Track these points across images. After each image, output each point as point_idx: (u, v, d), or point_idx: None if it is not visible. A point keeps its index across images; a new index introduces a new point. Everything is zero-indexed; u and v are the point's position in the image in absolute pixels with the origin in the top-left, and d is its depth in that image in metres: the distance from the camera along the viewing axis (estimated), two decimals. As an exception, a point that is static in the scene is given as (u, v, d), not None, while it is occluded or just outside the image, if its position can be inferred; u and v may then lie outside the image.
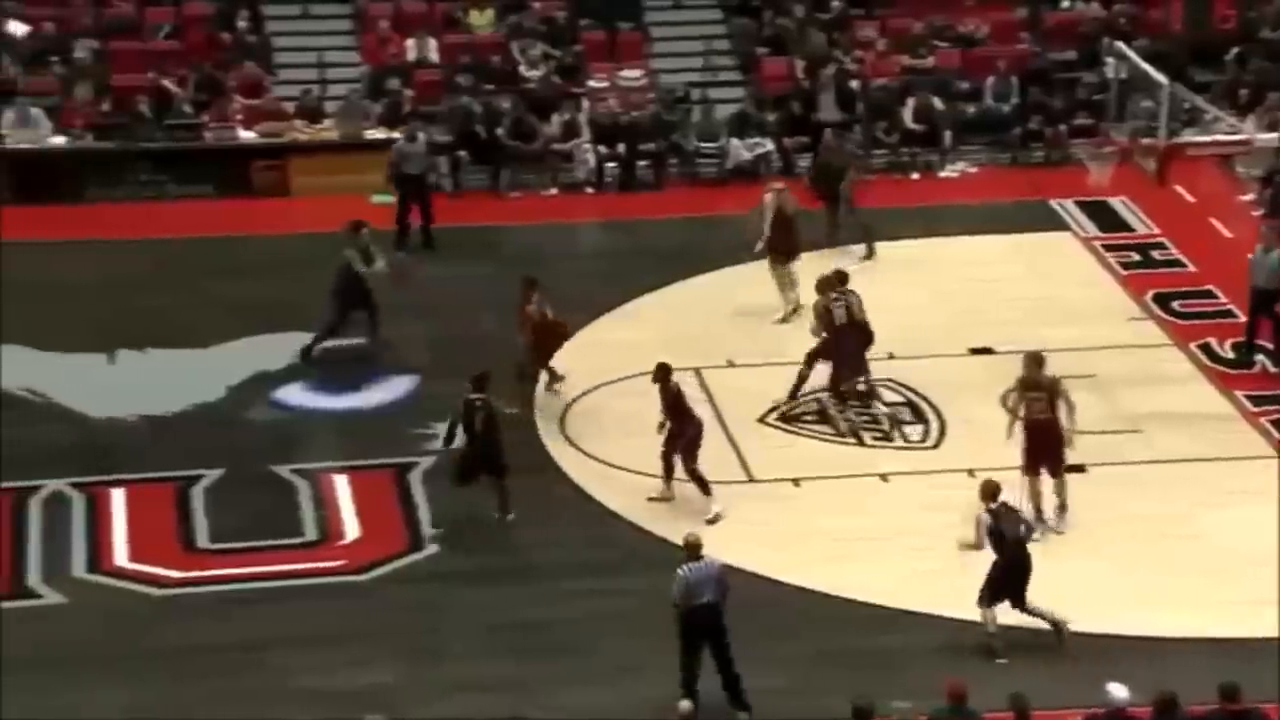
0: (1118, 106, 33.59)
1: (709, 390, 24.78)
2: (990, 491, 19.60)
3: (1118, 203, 31.17)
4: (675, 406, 22.28)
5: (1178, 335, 26.72)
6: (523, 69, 34.01)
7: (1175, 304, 27.58)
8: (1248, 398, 24.91)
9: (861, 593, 20.62)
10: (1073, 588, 20.39)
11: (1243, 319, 26.12)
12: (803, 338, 25.02)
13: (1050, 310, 27.05)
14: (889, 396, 24.77)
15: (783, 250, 26.95)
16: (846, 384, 24.40)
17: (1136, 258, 29.26)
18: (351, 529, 22.24)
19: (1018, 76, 34.07)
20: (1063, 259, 29.39)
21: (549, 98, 33.21)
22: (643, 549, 21.46)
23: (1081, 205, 31.10)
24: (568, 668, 19.49)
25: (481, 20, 35.20)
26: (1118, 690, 16.87)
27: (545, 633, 20.13)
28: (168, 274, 28.61)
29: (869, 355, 24.63)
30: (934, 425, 24.34)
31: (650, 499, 22.44)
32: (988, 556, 19.50)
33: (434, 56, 34.38)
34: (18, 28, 33.98)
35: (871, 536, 21.77)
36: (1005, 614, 19.50)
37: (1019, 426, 21.72)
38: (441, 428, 22.53)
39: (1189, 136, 32.27)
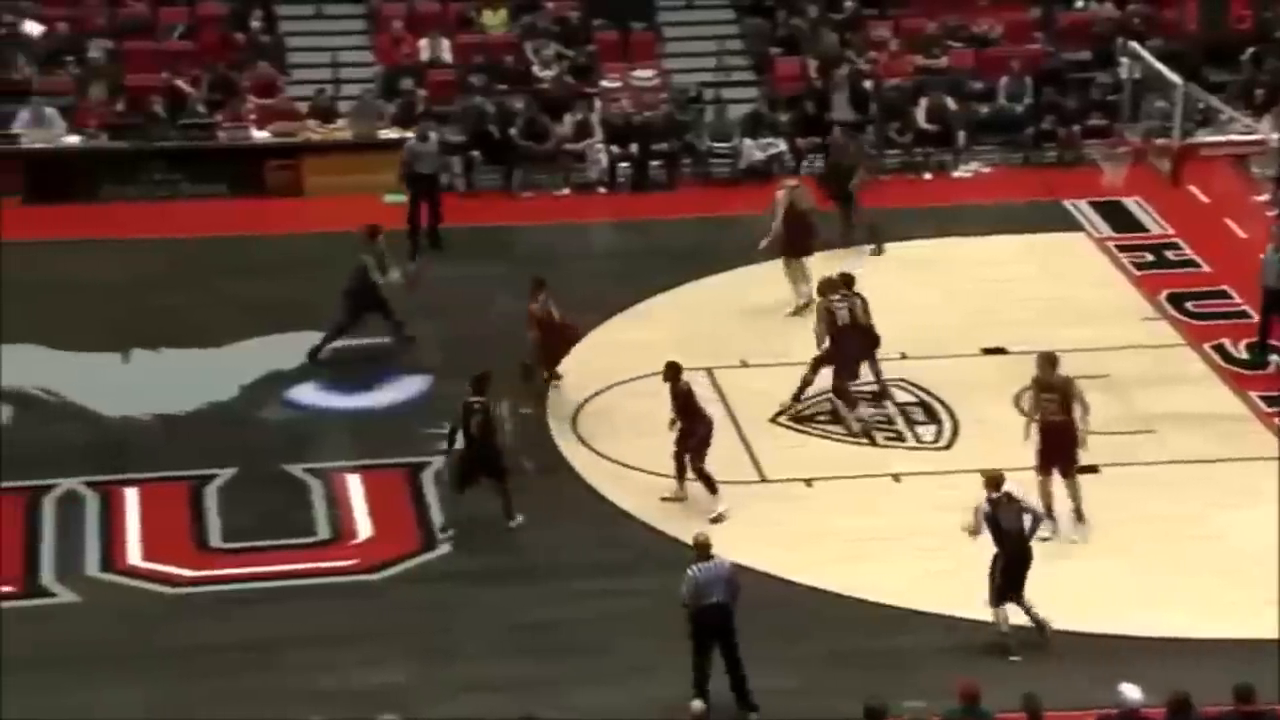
0: (1132, 107, 33.53)
1: (721, 390, 24.76)
2: (993, 481, 19.57)
3: (1131, 203, 31.13)
4: (685, 405, 22.25)
5: (1191, 336, 26.67)
6: (536, 69, 34.00)
7: (1189, 304, 27.54)
8: (1261, 398, 24.86)
9: (874, 593, 20.61)
10: (1086, 588, 20.43)
11: (1257, 319, 26.09)
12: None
13: (1064, 310, 27.00)
14: (901, 396, 24.77)
15: (794, 246, 26.92)
16: (841, 388, 24.29)
17: (1150, 258, 29.21)
18: (364, 528, 22.25)
19: (1031, 76, 34.01)
20: (1076, 259, 29.34)
21: (562, 98, 33.21)
22: (655, 549, 21.44)
23: (1095, 205, 31.05)
24: (580, 668, 19.47)
25: (495, 20, 35.20)
26: (1131, 691, 16.83)
27: (557, 633, 20.12)
28: (181, 273, 28.62)
29: (879, 356, 24.59)
30: (947, 425, 24.30)
31: (663, 499, 22.43)
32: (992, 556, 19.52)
33: (447, 56, 34.38)
34: (33, 28, 34.01)
35: (884, 537, 21.75)
36: (1016, 614, 19.50)
37: (1034, 428, 21.69)
38: (454, 428, 22.58)
39: (1203, 137, 32.30)
